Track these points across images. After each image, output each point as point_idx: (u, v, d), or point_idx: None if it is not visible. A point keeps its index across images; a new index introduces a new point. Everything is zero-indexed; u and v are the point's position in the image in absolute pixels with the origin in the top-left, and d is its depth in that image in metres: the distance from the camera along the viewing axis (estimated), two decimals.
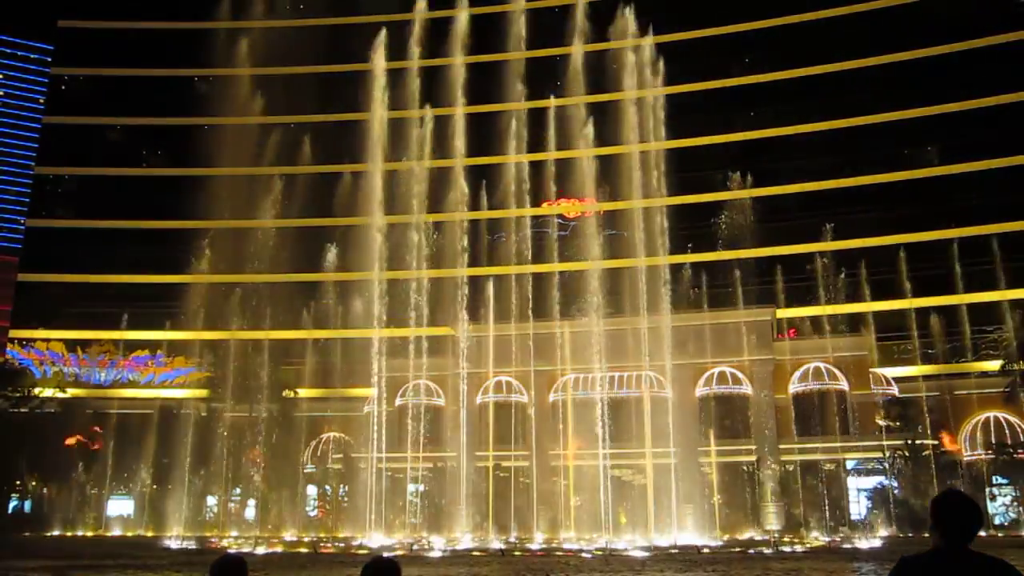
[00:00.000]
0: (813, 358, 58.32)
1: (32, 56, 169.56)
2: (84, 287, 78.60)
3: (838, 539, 46.01)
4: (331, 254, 69.02)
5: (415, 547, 38.90)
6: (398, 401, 59.12)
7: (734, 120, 76.87)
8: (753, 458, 55.56)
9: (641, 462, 50.16)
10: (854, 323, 66.42)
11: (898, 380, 62.40)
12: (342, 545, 42.08)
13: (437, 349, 58.71)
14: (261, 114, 70.06)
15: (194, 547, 42.63)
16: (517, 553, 36.96)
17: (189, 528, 54.61)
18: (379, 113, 53.42)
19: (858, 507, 56.34)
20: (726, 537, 46.59)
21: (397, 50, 57.07)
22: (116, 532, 62.54)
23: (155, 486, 63.16)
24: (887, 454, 54.38)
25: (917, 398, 61.05)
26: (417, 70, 56.55)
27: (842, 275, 67.74)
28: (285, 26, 79.86)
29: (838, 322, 65.24)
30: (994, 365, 63.55)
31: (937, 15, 71.37)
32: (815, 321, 67.31)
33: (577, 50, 57.15)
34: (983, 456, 58.77)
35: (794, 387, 58.19)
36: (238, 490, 63.16)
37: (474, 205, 63.67)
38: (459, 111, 56.74)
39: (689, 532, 46.04)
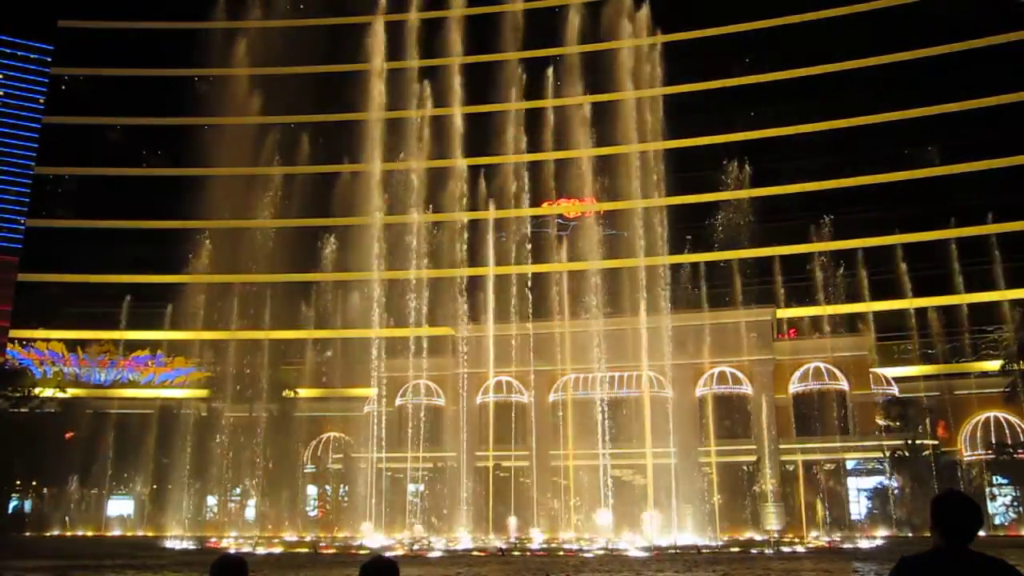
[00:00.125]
0: (813, 358, 58.23)
1: (32, 56, 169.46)
2: (84, 287, 78.63)
3: (838, 539, 45.99)
4: (330, 254, 69.01)
5: (415, 547, 38.90)
6: (398, 401, 59.10)
7: (734, 120, 76.80)
8: (753, 458, 55.46)
9: (641, 462, 50.13)
10: (854, 323, 66.46)
11: (898, 380, 62.41)
12: (342, 545, 42.08)
13: (437, 349, 58.76)
14: (260, 114, 70.04)
15: (194, 547, 42.61)
16: (517, 553, 36.91)
17: (189, 528, 54.59)
18: (378, 113, 53.42)
19: (858, 507, 56.31)
20: (726, 537, 46.52)
21: (396, 50, 57.10)
22: (116, 532, 62.52)
23: (155, 486, 63.16)
24: (887, 454, 54.33)
25: (917, 398, 61.05)
26: (416, 70, 56.58)
27: (842, 275, 67.70)
28: (284, 26, 79.82)
29: (838, 322, 65.21)
30: (994, 365, 63.51)
31: (937, 15, 71.34)
32: (815, 321, 67.32)
33: (577, 50, 57.16)
34: (983, 456, 58.79)
35: (794, 387, 58.13)
36: (238, 490, 63.16)
37: (474, 205, 63.66)
38: (458, 111, 56.79)
39: (689, 532, 46.03)
